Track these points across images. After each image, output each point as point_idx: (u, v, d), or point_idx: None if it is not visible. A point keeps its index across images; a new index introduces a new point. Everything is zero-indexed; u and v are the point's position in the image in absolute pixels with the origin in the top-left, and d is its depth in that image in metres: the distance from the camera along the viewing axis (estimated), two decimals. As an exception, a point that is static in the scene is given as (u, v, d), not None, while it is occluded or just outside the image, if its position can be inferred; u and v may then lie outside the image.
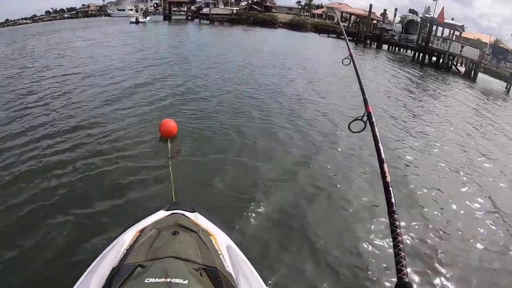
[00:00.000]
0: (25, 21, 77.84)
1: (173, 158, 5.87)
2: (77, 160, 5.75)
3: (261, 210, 4.64)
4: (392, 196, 0.99)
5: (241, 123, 8.13)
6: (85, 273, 1.42)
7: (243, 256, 1.81)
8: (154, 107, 9.07)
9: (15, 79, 12.12)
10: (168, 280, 1.14)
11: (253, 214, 4.51)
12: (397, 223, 0.89)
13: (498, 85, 27.44)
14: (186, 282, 1.16)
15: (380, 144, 1.27)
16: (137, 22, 47.68)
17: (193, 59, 17.88)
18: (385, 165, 1.14)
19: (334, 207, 4.79)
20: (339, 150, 6.89)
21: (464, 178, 6.82)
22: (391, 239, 0.87)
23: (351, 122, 1.58)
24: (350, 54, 2.63)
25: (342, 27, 5.69)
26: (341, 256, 3.79)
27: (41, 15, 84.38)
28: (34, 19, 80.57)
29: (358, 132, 1.57)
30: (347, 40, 3.17)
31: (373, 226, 4.27)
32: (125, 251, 1.44)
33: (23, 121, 7.67)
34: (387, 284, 3.29)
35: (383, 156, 1.20)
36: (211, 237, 1.73)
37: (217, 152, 6.45)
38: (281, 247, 3.93)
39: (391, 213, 0.94)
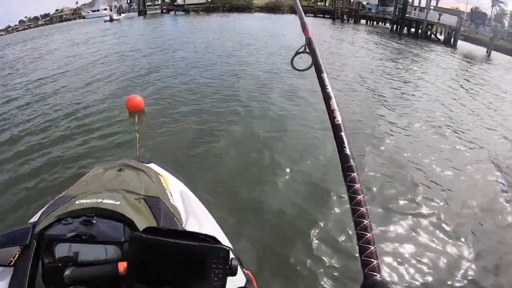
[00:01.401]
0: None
1: (141, 125, 6.57)
2: (54, 133, 6.63)
3: (220, 166, 5.27)
4: (352, 161, 0.76)
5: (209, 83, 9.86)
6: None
7: (197, 199, 1.77)
8: (128, 86, 10.12)
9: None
10: (99, 200, 1.11)
11: (210, 169, 5.15)
12: (363, 209, 0.68)
13: (479, 51, 27.13)
14: (118, 203, 1.12)
15: (324, 75, 0.99)
16: (111, 20, 46.64)
17: (166, 47, 18.17)
18: (332, 101, 0.89)
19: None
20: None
21: (448, 133, 7.20)
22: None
23: (293, 58, 1.29)
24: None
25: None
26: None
27: (15, 25, 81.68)
28: (8, 30, 77.79)
29: (305, 70, 1.27)
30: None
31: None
32: (68, 187, 1.42)
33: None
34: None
35: (331, 94, 0.92)
36: (161, 177, 1.63)
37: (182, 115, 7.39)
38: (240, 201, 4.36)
39: (351, 192, 0.71)
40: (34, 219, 1.27)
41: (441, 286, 3.17)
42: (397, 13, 32.90)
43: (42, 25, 75.83)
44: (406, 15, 32.09)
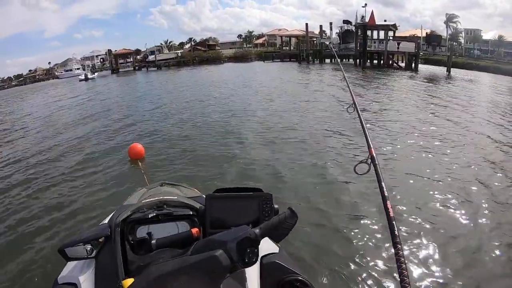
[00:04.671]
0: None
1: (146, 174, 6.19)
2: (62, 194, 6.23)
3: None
4: (396, 229, 1.01)
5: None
6: None
7: None
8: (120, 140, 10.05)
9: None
10: (161, 198, 1.42)
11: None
12: (401, 252, 0.92)
13: (440, 70, 28.25)
14: (176, 197, 1.47)
15: (383, 183, 1.30)
16: (86, 79, 45.92)
17: (139, 103, 18.05)
18: (388, 202, 1.18)
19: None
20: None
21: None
22: (396, 269, 0.90)
23: (356, 165, 1.69)
24: (354, 103, 2.62)
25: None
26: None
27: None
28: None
29: (364, 174, 1.66)
30: (351, 90, 2.94)
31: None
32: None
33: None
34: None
35: (386, 194, 1.23)
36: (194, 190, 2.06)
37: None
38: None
39: (395, 243, 0.97)
40: (104, 221, 1.53)
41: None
42: (358, 48, 34.35)
43: (16, 85, 74.84)
44: (367, 49, 33.58)
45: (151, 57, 57.71)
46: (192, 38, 71.46)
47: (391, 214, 1.09)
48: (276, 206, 1.24)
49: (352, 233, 4.34)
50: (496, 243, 4.10)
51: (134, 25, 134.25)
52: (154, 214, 1.26)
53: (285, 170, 6.52)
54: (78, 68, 64.70)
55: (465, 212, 4.86)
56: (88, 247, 1.20)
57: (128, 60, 62.30)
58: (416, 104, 13.46)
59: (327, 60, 41.48)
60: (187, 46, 72.70)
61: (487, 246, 4.05)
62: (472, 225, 4.55)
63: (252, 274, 1.20)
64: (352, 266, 3.69)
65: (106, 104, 18.84)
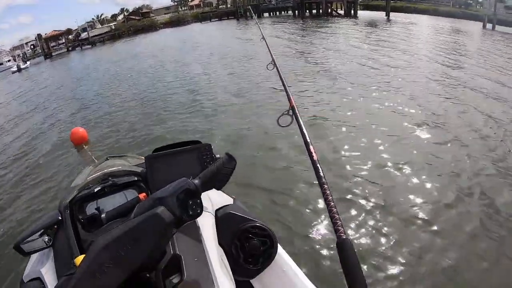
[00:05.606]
0: None
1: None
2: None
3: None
4: (320, 170, 1.05)
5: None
6: None
7: None
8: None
9: None
10: (105, 171, 1.38)
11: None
12: (328, 191, 0.96)
13: (379, 15, 28.14)
14: (120, 167, 1.43)
15: (304, 130, 1.30)
16: (19, 70, 41.22)
17: (76, 87, 16.84)
18: (311, 147, 1.19)
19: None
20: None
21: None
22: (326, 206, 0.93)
23: (278, 118, 1.58)
24: (273, 60, 2.58)
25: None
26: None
27: None
28: None
29: (287, 126, 1.54)
30: (269, 48, 2.91)
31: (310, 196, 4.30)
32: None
33: None
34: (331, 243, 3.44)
35: (308, 140, 1.24)
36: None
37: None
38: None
39: (321, 184, 1.01)
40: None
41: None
42: (296, -1, 33.36)
43: None
44: (305, -1, 32.66)
45: (83, 35, 53.77)
46: (124, 8, 67.37)
47: (315, 157, 1.12)
48: (217, 155, 1.23)
49: (285, 177, 4.74)
50: (408, 171, 4.66)
51: (63, 4, 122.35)
52: (100, 188, 1.22)
53: (219, 126, 6.95)
54: (9, 60, 58.03)
55: (389, 150, 5.24)
56: (46, 237, 1.13)
57: (60, 41, 57.27)
58: (349, 50, 13.66)
59: (266, 14, 40.14)
60: (120, 17, 68.76)
61: (401, 176, 4.57)
62: (394, 166, 4.79)
63: (208, 228, 1.16)
64: (289, 206, 4.08)
65: (42, 93, 17.42)
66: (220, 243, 1.17)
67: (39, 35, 57.25)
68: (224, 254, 1.17)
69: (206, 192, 0.97)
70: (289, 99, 1.62)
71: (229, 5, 49.97)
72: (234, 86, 9.93)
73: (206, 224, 1.15)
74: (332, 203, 0.89)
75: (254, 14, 7.89)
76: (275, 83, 8.28)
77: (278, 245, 1.19)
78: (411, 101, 7.31)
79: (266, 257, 1.18)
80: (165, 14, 66.58)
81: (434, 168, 4.72)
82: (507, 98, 7.39)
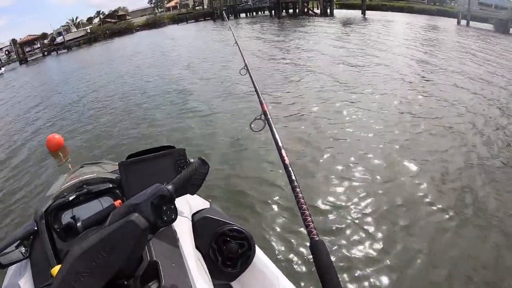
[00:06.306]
0: None
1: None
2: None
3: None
4: (292, 174, 1.03)
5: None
6: None
7: None
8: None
9: None
10: (79, 178, 1.34)
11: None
12: (300, 194, 0.95)
13: (355, 14, 28.28)
14: (94, 174, 1.39)
15: (276, 134, 1.24)
16: None
17: (51, 93, 16.36)
18: (283, 151, 1.14)
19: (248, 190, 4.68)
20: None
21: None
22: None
23: (251, 123, 1.52)
24: (245, 65, 2.53)
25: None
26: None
27: None
28: None
29: (260, 130, 1.50)
30: (242, 53, 2.82)
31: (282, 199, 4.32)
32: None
33: None
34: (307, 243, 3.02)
35: (280, 144, 1.19)
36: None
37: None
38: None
39: (293, 187, 0.99)
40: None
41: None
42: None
43: None
44: (282, -1, 32.52)
45: (59, 39, 51.75)
46: (100, 11, 65.86)
47: (287, 161, 1.09)
48: (191, 160, 1.21)
49: (260, 180, 4.71)
50: (382, 170, 4.72)
51: (37, 7, 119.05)
52: (75, 196, 1.19)
53: (193, 132, 6.90)
54: (-16, 67, 56.65)
55: (359, 146, 5.36)
56: (22, 249, 1.10)
57: (36, 46, 55.54)
58: (325, 50, 13.80)
59: (243, 15, 39.88)
60: (96, 20, 66.37)
61: (373, 175, 4.58)
62: (367, 167, 4.82)
63: (185, 233, 1.15)
64: (265, 209, 4.09)
65: (18, 100, 16.98)
66: (197, 247, 1.18)
67: (13, 40, 55.28)
68: (202, 258, 1.17)
69: (183, 196, 0.96)
70: (261, 104, 1.59)
71: (205, 6, 49.51)
72: (208, 91, 9.86)
73: (183, 229, 1.16)
74: (305, 206, 0.89)
75: (227, 18, 8.23)
76: (250, 87, 7.89)
77: (256, 247, 1.20)
78: (386, 99, 7.49)
79: (244, 259, 1.19)
80: (141, 16, 65.41)
81: (406, 166, 4.84)
82: (476, 89, 8.00)
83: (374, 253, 3.32)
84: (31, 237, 1.12)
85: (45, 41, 56.42)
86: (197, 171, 0.97)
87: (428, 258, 3.23)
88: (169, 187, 0.87)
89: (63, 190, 1.27)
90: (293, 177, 1.01)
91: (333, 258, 3.32)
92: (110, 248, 0.78)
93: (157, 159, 1.23)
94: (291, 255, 3.36)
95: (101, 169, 1.73)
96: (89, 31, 55.53)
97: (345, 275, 3.09)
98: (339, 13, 29.71)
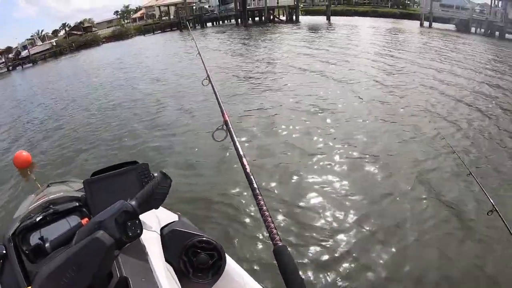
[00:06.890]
0: None
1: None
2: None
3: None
4: (254, 181, 1.05)
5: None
6: None
7: None
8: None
9: None
10: (46, 198, 1.36)
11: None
12: (262, 201, 0.96)
13: (320, 20, 28.72)
14: (61, 193, 1.40)
15: (237, 143, 1.29)
16: None
17: (18, 110, 15.86)
18: (244, 159, 1.17)
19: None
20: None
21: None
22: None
23: (213, 132, 1.57)
24: (208, 76, 2.53)
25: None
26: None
27: None
28: None
29: (222, 140, 1.54)
30: (204, 64, 2.78)
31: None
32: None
33: None
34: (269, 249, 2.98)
35: (241, 153, 1.22)
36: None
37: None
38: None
39: (255, 195, 1.01)
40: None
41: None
42: (238, 8, 33.11)
43: None
44: (248, 7, 32.56)
45: (24, 53, 49.43)
46: (65, 23, 63.99)
47: (248, 170, 1.11)
48: (155, 174, 1.13)
49: (225, 189, 4.82)
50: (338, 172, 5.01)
51: (0, 21, 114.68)
52: (41, 217, 1.18)
53: (157, 145, 6.88)
54: None
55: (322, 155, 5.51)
56: None
57: (0, 61, 53.97)
58: (289, 57, 14.25)
59: (209, 24, 39.57)
60: (62, 33, 64.23)
61: (335, 180, 4.79)
62: (328, 171, 5.04)
63: (153, 247, 1.15)
64: (228, 219, 4.15)
65: None
66: (167, 261, 1.18)
67: (-23, 55, 53.39)
68: (173, 271, 1.18)
69: (152, 210, 0.96)
70: (223, 114, 1.61)
71: (172, 16, 49.03)
72: (173, 104, 9.88)
73: (152, 243, 1.15)
74: (267, 212, 0.91)
75: (192, 28, 8.06)
76: (213, 97, 7.86)
77: (227, 256, 1.22)
78: (354, 102, 7.96)
79: (215, 269, 1.21)
80: (108, 27, 64.03)
81: (368, 169, 5.07)
82: (437, 86, 8.77)
83: (340, 257, 3.43)
84: (1, 260, 1.11)
85: (10, 55, 54.58)
86: (159, 185, 0.97)
87: (393, 253, 3.41)
88: (133, 202, 0.88)
89: (31, 211, 1.27)
90: (255, 185, 1.03)
91: (297, 261, 3.39)
92: (77, 266, 0.78)
93: (121, 175, 1.22)
94: (262, 261, 3.44)
95: (68, 188, 1.74)
96: (54, 44, 53.36)
97: (311, 277, 3.21)
98: (304, 19, 30.14)
